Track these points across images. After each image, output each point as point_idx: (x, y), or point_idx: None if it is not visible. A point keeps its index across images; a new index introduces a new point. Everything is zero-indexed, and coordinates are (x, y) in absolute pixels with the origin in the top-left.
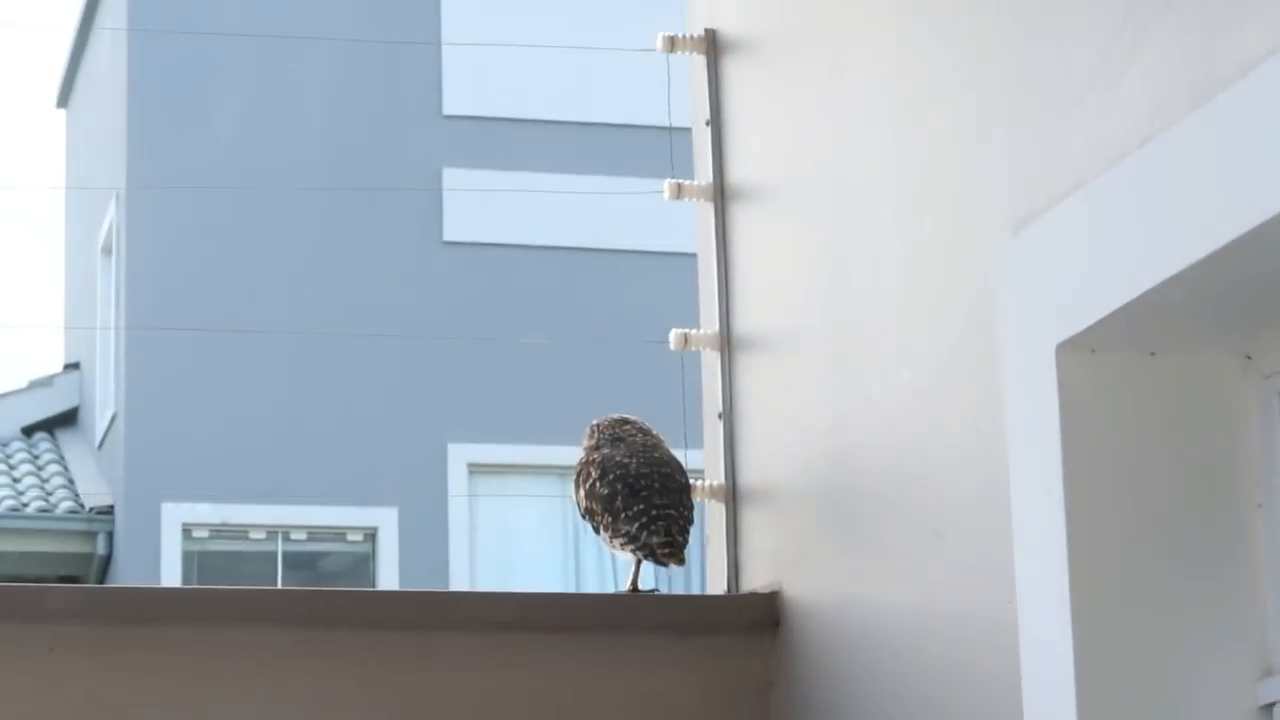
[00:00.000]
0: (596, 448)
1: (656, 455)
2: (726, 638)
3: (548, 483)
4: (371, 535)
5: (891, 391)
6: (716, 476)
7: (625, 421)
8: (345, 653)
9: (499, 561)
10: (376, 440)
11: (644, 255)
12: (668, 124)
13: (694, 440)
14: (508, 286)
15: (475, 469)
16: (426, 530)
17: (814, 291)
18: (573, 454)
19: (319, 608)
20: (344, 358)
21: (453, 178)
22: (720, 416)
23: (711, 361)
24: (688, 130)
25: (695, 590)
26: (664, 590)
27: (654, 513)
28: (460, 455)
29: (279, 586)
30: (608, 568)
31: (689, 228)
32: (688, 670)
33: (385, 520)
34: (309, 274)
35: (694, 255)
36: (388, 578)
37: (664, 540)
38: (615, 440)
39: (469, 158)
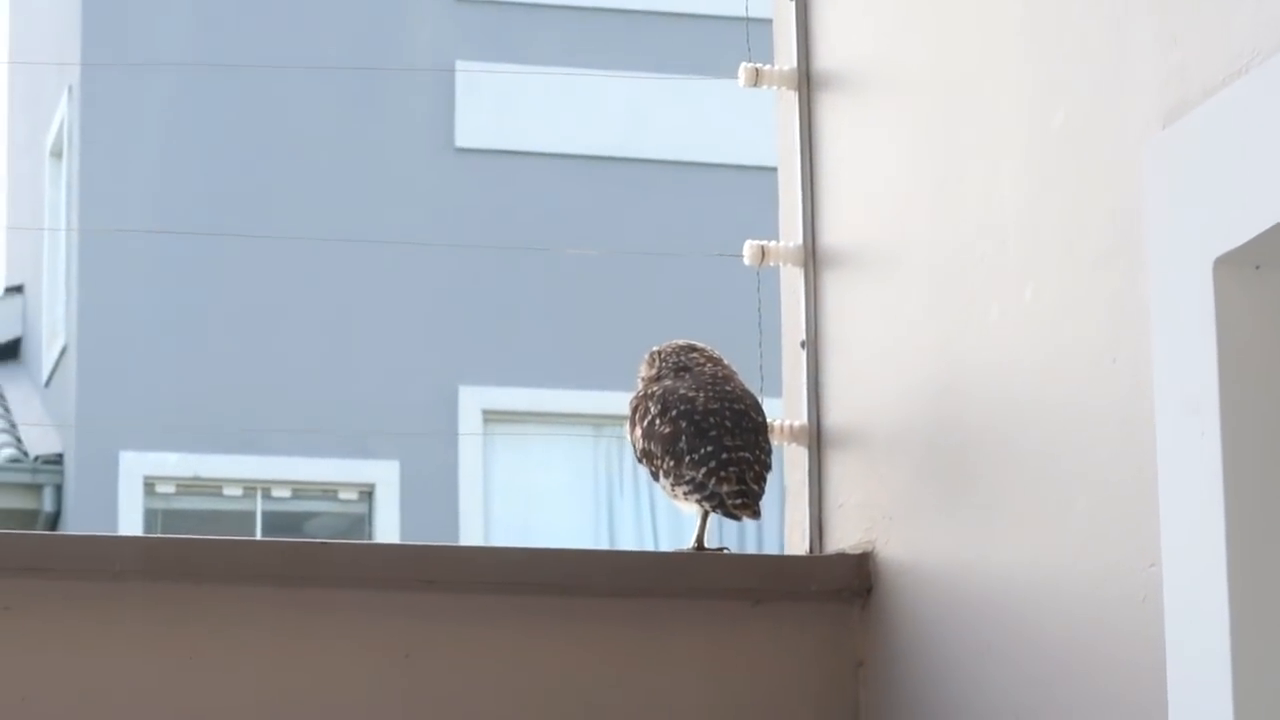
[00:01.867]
0: (657, 378)
1: (729, 389)
2: (808, 606)
3: (579, 436)
4: (368, 493)
5: (1011, 316)
6: (798, 416)
7: (692, 349)
8: (355, 616)
9: (519, 527)
10: (375, 381)
11: (698, 169)
12: (736, 8)
13: (772, 374)
14: (531, 203)
15: (492, 417)
16: (433, 488)
17: (918, 197)
18: (613, 402)
19: (318, 563)
20: (337, 282)
21: (467, 73)
22: (803, 345)
23: (793, 280)
24: (741, 19)
25: (771, 550)
26: (734, 549)
27: (724, 456)
28: (474, 400)
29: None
30: (647, 536)
31: (755, 135)
32: (761, 644)
33: (384, 476)
34: (296, 184)
35: (760, 170)
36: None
37: (736, 489)
38: (679, 370)
39: (486, 48)
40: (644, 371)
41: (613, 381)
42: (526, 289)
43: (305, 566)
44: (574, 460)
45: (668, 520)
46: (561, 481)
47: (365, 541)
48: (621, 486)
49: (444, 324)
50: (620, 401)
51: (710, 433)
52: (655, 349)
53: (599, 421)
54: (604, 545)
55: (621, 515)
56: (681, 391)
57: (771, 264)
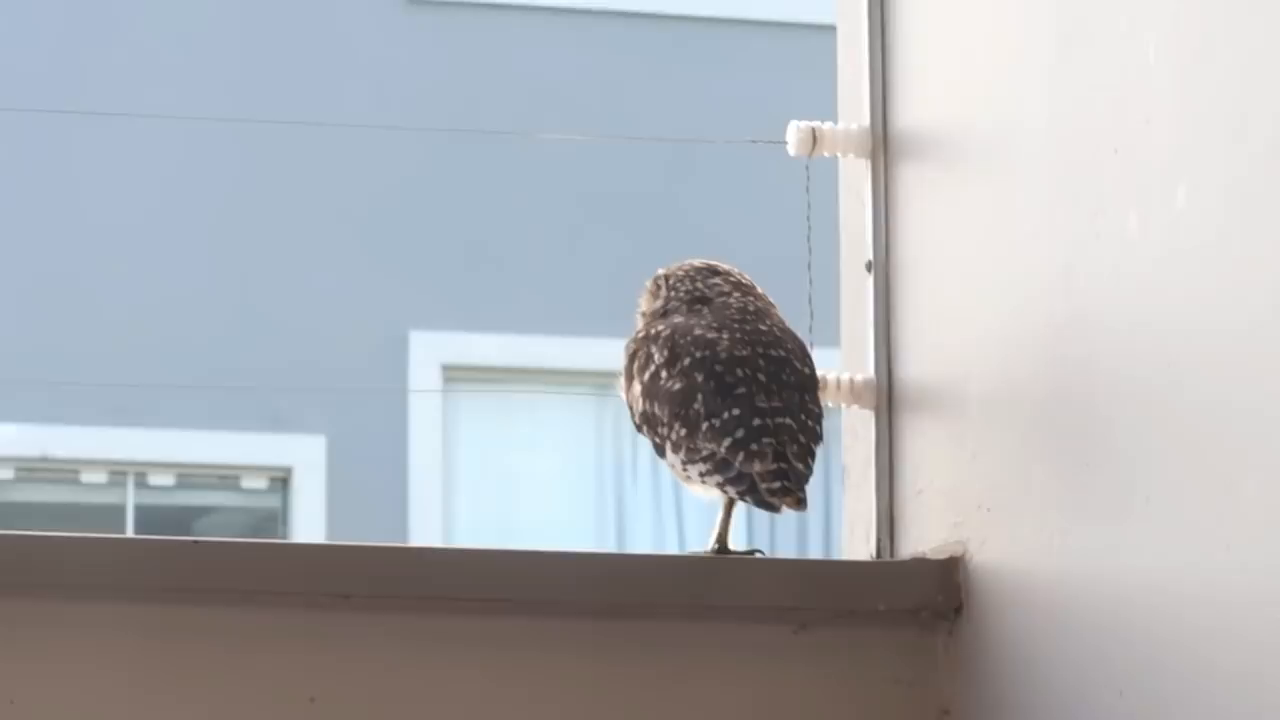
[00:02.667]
0: (664, 313)
1: (764, 328)
2: (872, 633)
3: (575, 400)
4: (282, 480)
5: (1157, 229)
6: (862, 367)
7: (713, 272)
8: (244, 644)
9: (493, 523)
10: (293, 326)
11: (726, 27)
12: None
13: (826, 308)
14: (508, 73)
15: (456, 374)
16: (371, 472)
17: (1030, 64)
18: (615, 353)
19: (186, 569)
20: (238, 184)
21: None
22: (869, 268)
23: (856, 178)
24: None
25: (820, 554)
26: (769, 553)
27: (757, 422)
28: (430, 351)
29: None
30: (670, 537)
31: None
32: (806, 684)
33: (305, 456)
34: (173, 51)
35: (809, 29)
36: None
37: (773, 468)
38: (696, 302)
39: None
40: (646, 304)
41: (620, 326)
42: (503, 194)
43: (167, 573)
44: (569, 433)
45: (699, 517)
46: (551, 462)
47: (261, 540)
48: (635, 469)
49: (389, 244)
50: None
51: (738, 389)
52: (662, 272)
53: (603, 381)
54: (610, 548)
55: (636, 509)
56: (698, 332)
57: (826, 154)
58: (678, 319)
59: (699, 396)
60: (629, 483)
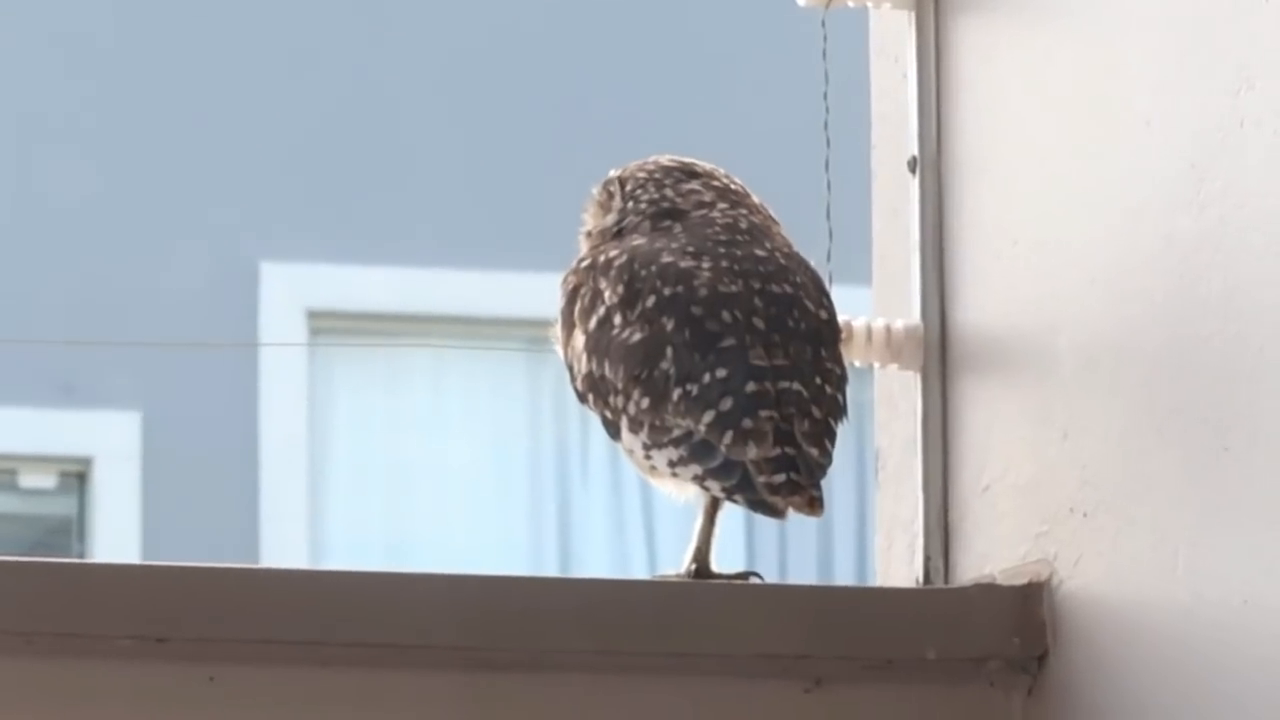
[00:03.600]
0: (619, 233)
1: (760, 253)
2: (919, 691)
3: (494, 357)
4: (77, 476)
5: None
6: (903, 311)
7: (689, 174)
8: (88, 699)
9: (377, 537)
10: (89, 259)
11: None
12: None
13: (851, 229)
14: None
15: (323, 322)
16: (205, 462)
17: None
18: (551, 292)
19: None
20: (20, 66)
21: None
22: (913, 167)
23: (893, 33)
24: None
25: (845, 579)
26: (772, 577)
27: (752, 387)
28: (288, 290)
29: None
30: (635, 551)
31: None
32: None
33: (110, 441)
34: None
35: None
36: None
37: (775, 454)
38: (664, 216)
39: None
40: (593, 219)
41: (558, 256)
42: (387, 66)
43: None
44: (489, 408)
45: (678, 526)
46: (464, 449)
47: (46, 560)
48: (586, 457)
49: (228, 146)
50: None
51: (724, 341)
52: (616, 174)
53: (537, 332)
54: (550, 570)
55: (587, 515)
56: (667, 259)
57: (850, 4)
58: (638, 240)
59: (668, 351)
60: (576, 477)
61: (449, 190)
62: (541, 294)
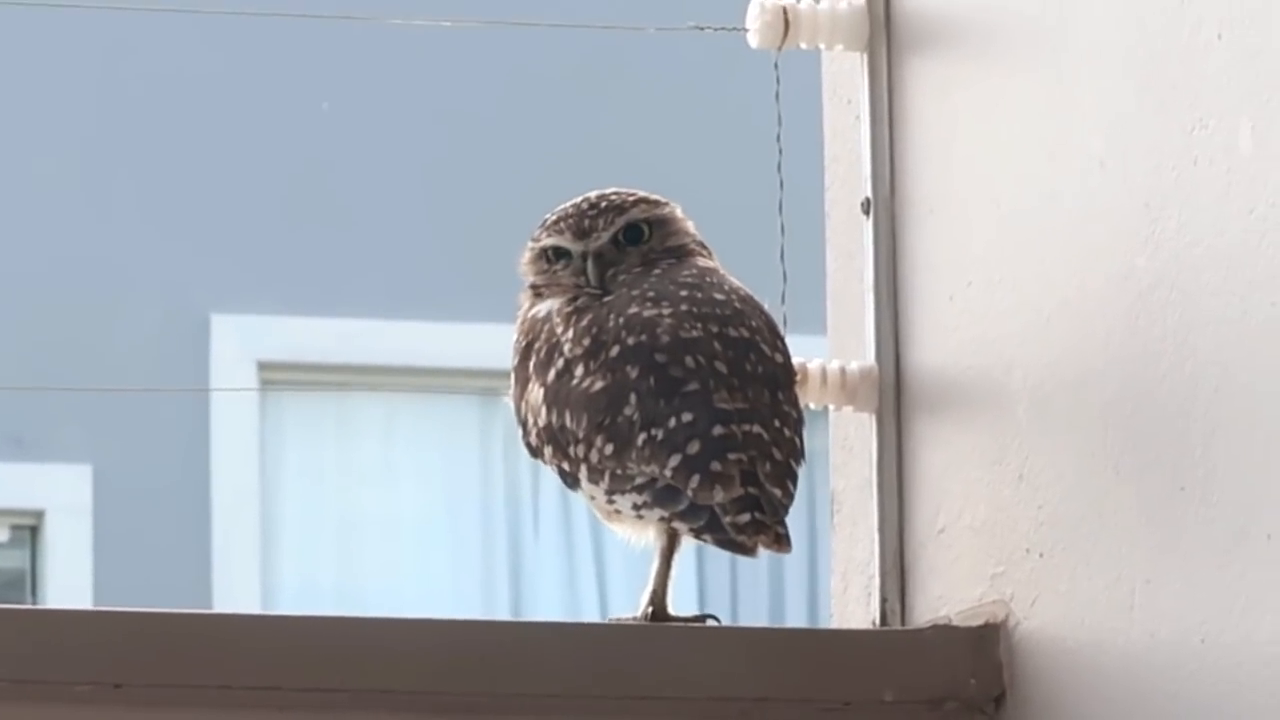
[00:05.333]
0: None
1: (718, 298)
2: None
3: (445, 408)
4: (29, 529)
5: None
6: (857, 352)
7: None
8: None
9: (329, 585)
10: (41, 310)
11: None
12: None
13: (804, 272)
14: None
15: (274, 373)
16: (157, 514)
17: None
18: (504, 343)
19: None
20: None
21: None
22: (867, 209)
23: (845, 77)
24: None
25: (798, 620)
26: (727, 620)
27: (717, 430)
28: (239, 341)
29: None
30: (586, 599)
31: None
32: None
33: (61, 493)
34: None
35: None
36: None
37: (740, 495)
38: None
39: None
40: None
41: (510, 306)
42: (342, 128)
43: None
44: (440, 458)
45: (630, 571)
46: (416, 498)
47: None
48: (537, 506)
49: (183, 198)
50: None
51: (687, 385)
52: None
53: (489, 383)
54: (505, 599)
55: (538, 562)
56: (632, 310)
57: (804, 45)
58: (586, 289)
59: (632, 398)
60: (528, 526)
61: (400, 241)
62: (492, 344)
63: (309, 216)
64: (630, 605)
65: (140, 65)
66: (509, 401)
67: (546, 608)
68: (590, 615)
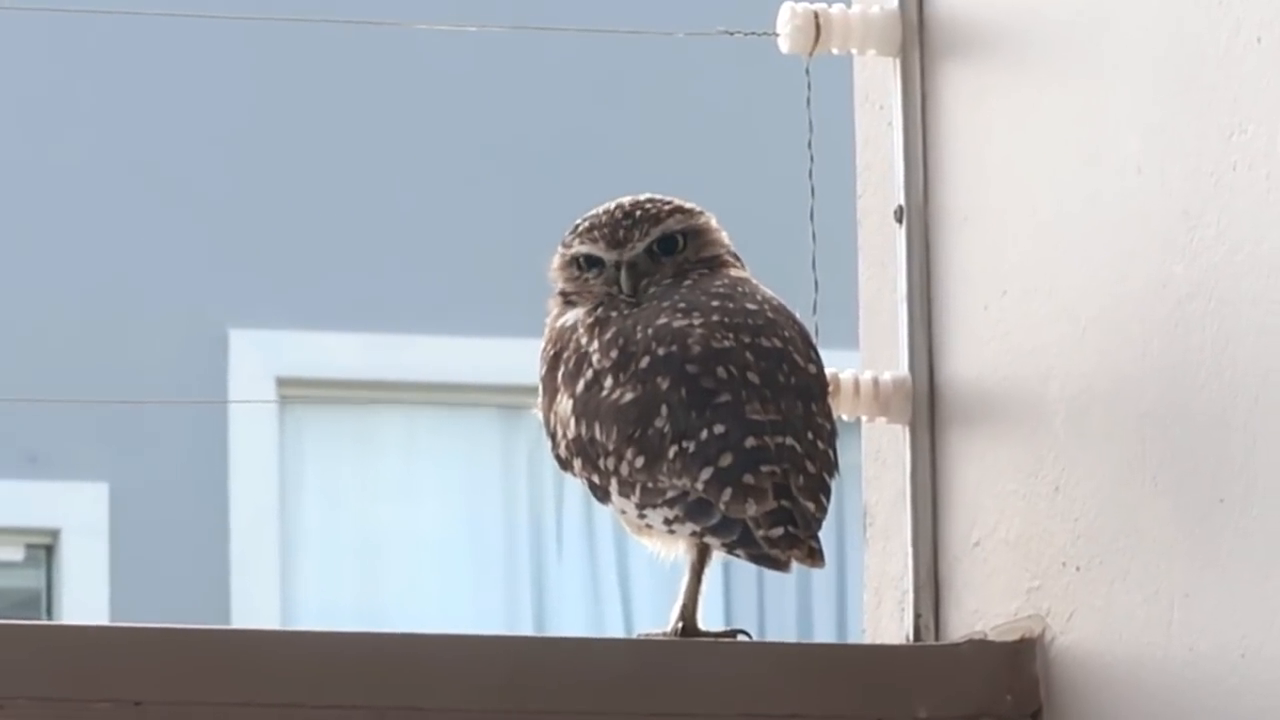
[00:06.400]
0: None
1: (751, 307)
2: None
3: (467, 423)
4: (44, 548)
5: None
6: (890, 362)
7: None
8: None
9: (349, 603)
10: (55, 324)
11: None
12: None
13: (836, 281)
14: None
15: (294, 389)
16: (175, 533)
17: None
18: (528, 359)
19: None
20: None
21: None
22: (900, 217)
23: (878, 82)
24: None
25: (827, 636)
26: (757, 635)
27: (750, 442)
28: (258, 356)
29: None
30: (610, 616)
31: None
32: None
33: (78, 512)
34: None
35: None
36: None
37: (773, 507)
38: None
39: None
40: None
41: (534, 320)
42: (363, 132)
43: None
44: (462, 474)
45: (655, 589)
46: (437, 516)
47: (10, 622)
48: (560, 522)
49: (200, 210)
50: None
51: (720, 397)
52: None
53: (512, 398)
54: (524, 627)
55: (562, 580)
56: (661, 320)
57: (836, 50)
58: (623, 298)
59: (663, 409)
60: (551, 544)
61: (420, 255)
62: (515, 359)
63: (328, 229)
64: (654, 622)
65: (155, 74)
66: (537, 413)
67: (570, 626)
68: (615, 633)
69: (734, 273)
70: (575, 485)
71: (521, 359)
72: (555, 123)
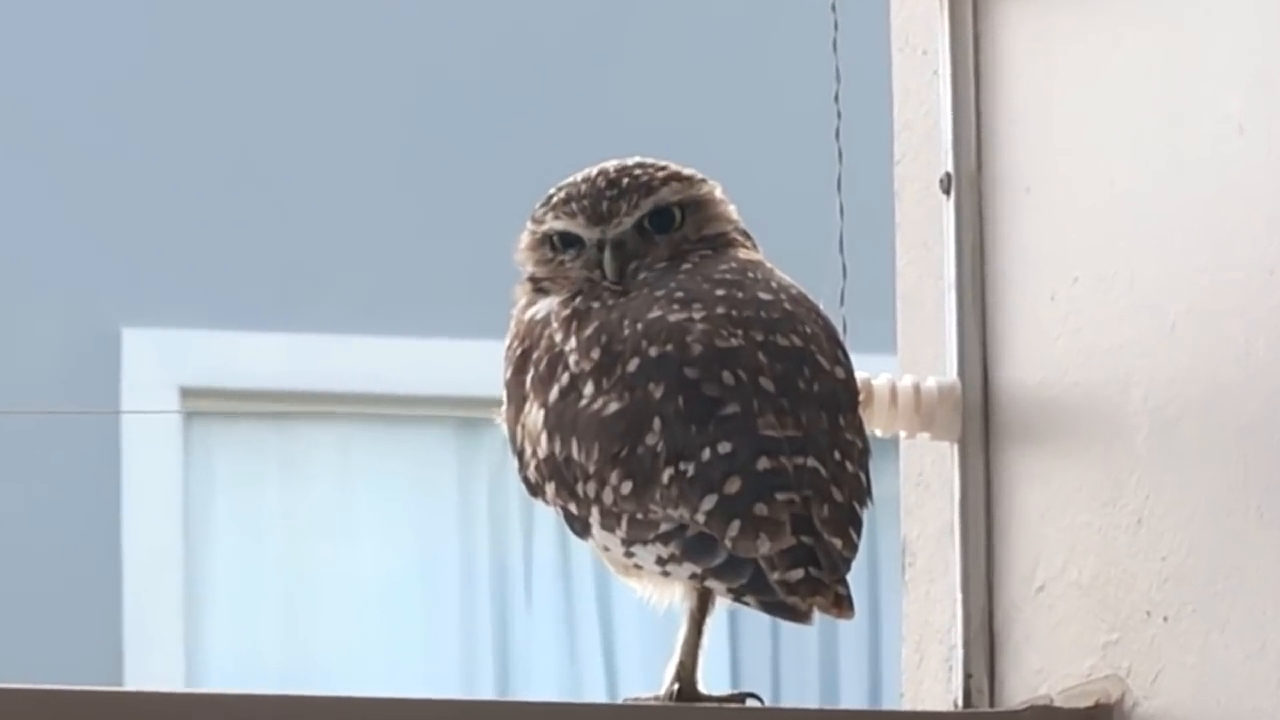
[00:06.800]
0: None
1: (764, 297)
2: None
3: (414, 441)
4: None
5: None
6: (934, 366)
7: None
8: None
9: (271, 657)
10: None
11: None
12: None
13: (867, 265)
14: None
15: (201, 399)
16: (56, 567)
17: None
18: (486, 365)
19: None
20: None
21: None
22: (948, 186)
23: (920, 21)
24: None
25: (856, 700)
26: (770, 701)
27: (763, 464)
28: (158, 359)
29: None
30: (592, 672)
31: None
32: None
33: None
34: None
35: None
36: None
37: (790, 546)
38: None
39: None
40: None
41: (495, 320)
42: (292, 90)
43: None
44: (409, 503)
45: (647, 640)
46: (379, 552)
47: None
48: (529, 560)
49: (89, 191)
50: None
51: (724, 408)
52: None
53: (472, 410)
54: (485, 691)
55: (530, 631)
56: (654, 314)
57: None
58: (597, 292)
59: (656, 423)
60: (517, 587)
61: (357, 238)
62: (473, 363)
63: (244, 207)
64: (644, 685)
65: (47, 57)
66: (502, 426)
67: (541, 688)
68: (595, 698)
69: (743, 254)
70: (548, 516)
71: (480, 362)
72: (525, 78)
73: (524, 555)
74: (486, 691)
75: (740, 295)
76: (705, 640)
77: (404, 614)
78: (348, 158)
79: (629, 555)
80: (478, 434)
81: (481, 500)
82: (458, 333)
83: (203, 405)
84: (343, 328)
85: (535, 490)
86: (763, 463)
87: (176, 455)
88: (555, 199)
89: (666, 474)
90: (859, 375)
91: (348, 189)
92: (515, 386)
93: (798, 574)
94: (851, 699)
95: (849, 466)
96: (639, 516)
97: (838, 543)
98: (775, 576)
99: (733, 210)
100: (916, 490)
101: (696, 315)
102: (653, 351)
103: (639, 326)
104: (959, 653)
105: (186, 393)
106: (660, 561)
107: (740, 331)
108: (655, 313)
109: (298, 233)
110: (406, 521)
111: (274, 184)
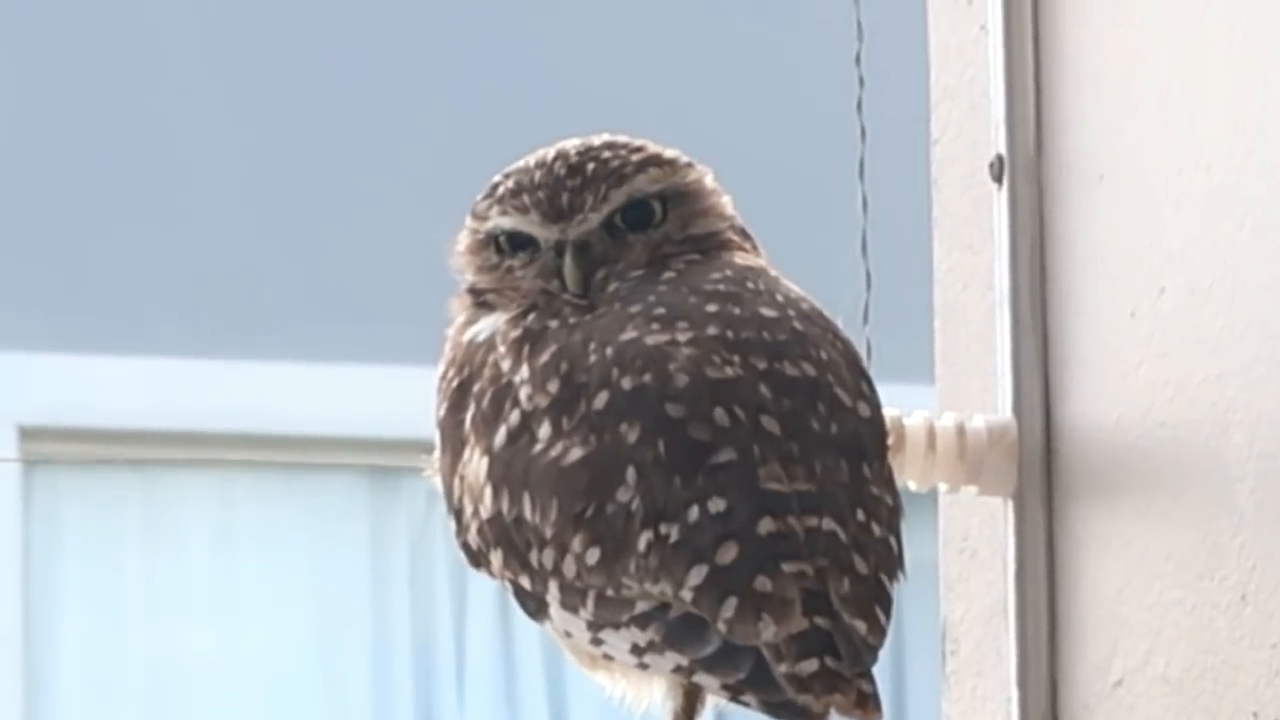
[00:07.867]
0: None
1: (767, 314)
2: None
3: (316, 494)
4: None
5: None
6: (985, 403)
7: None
8: None
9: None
10: None
11: None
12: None
13: (901, 273)
14: None
15: (41, 445)
16: None
17: None
18: (413, 400)
19: None
20: None
21: None
22: (998, 172)
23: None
24: None
25: None
26: None
27: (767, 527)
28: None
29: None
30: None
31: None
32: None
33: None
34: None
35: None
36: None
37: (801, 630)
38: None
39: None
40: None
41: (430, 346)
42: (150, 60)
43: None
44: (316, 569)
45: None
46: (272, 635)
47: None
48: (463, 647)
49: None
50: None
51: (717, 455)
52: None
53: (391, 457)
54: None
55: (460, 718)
56: (627, 335)
57: None
58: (564, 298)
59: (630, 474)
60: (446, 678)
61: (236, 241)
62: (394, 396)
63: (99, 205)
64: None
65: None
66: (433, 475)
67: None
68: None
69: (740, 259)
70: (490, 589)
71: (404, 395)
72: (462, 33)
73: (455, 637)
74: None
75: (737, 312)
76: None
77: (302, 709)
78: (228, 151)
79: (597, 643)
80: (396, 485)
81: (401, 568)
82: (373, 357)
83: (46, 449)
84: (223, 352)
85: (477, 560)
86: (765, 524)
87: (14, 511)
88: (502, 190)
89: (644, 539)
90: (888, 413)
91: (225, 188)
92: (451, 427)
93: (811, 666)
94: None
95: (875, 529)
96: (609, 593)
97: (861, 626)
98: (782, 669)
99: (727, 203)
100: (960, 558)
101: (681, 337)
102: (626, 383)
103: (608, 352)
104: None
105: (26, 433)
106: (636, 650)
107: (737, 358)
108: (629, 334)
109: (161, 237)
110: (305, 594)
111: (139, 177)
